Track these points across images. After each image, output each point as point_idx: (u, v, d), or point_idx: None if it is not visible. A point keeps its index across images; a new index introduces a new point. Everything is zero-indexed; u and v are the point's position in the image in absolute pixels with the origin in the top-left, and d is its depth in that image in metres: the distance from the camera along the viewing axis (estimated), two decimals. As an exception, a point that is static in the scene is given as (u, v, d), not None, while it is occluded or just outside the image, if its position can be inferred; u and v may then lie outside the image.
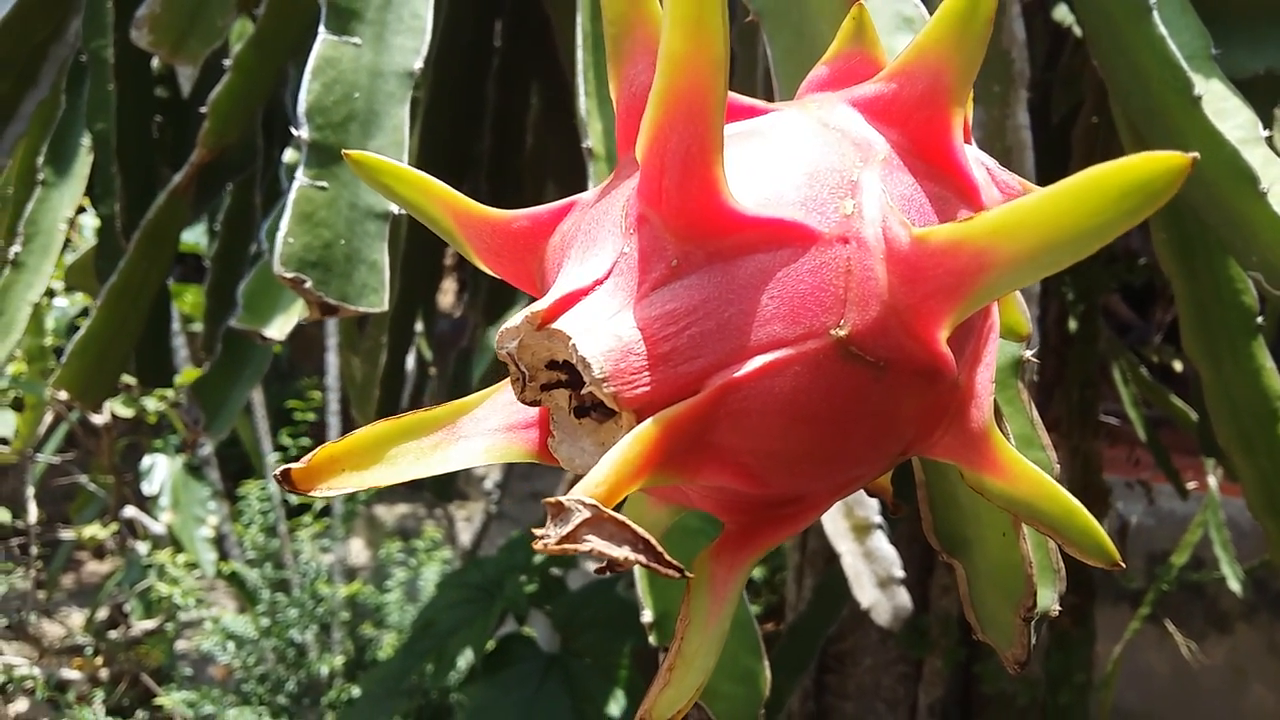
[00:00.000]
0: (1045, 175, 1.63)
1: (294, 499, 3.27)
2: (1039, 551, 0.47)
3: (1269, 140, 0.77)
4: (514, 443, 0.34)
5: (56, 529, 3.44)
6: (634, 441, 0.28)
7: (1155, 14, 0.77)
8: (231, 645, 3.03)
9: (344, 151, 0.38)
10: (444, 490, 2.08)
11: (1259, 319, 0.95)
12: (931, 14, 0.40)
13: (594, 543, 0.26)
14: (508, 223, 0.36)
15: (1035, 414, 0.49)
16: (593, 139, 0.67)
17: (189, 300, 3.30)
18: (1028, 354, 0.49)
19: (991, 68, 1.05)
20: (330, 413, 3.52)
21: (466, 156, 1.91)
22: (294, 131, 0.64)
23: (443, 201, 0.37)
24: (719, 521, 0.36)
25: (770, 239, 0.30)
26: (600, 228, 0.33)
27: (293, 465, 0.31)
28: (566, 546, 0.26)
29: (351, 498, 3.61)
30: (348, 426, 3.69)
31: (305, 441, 3.16)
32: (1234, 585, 2.79)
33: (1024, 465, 0.34)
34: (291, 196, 0.62)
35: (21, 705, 3.47)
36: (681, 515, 0.39)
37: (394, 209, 0.66)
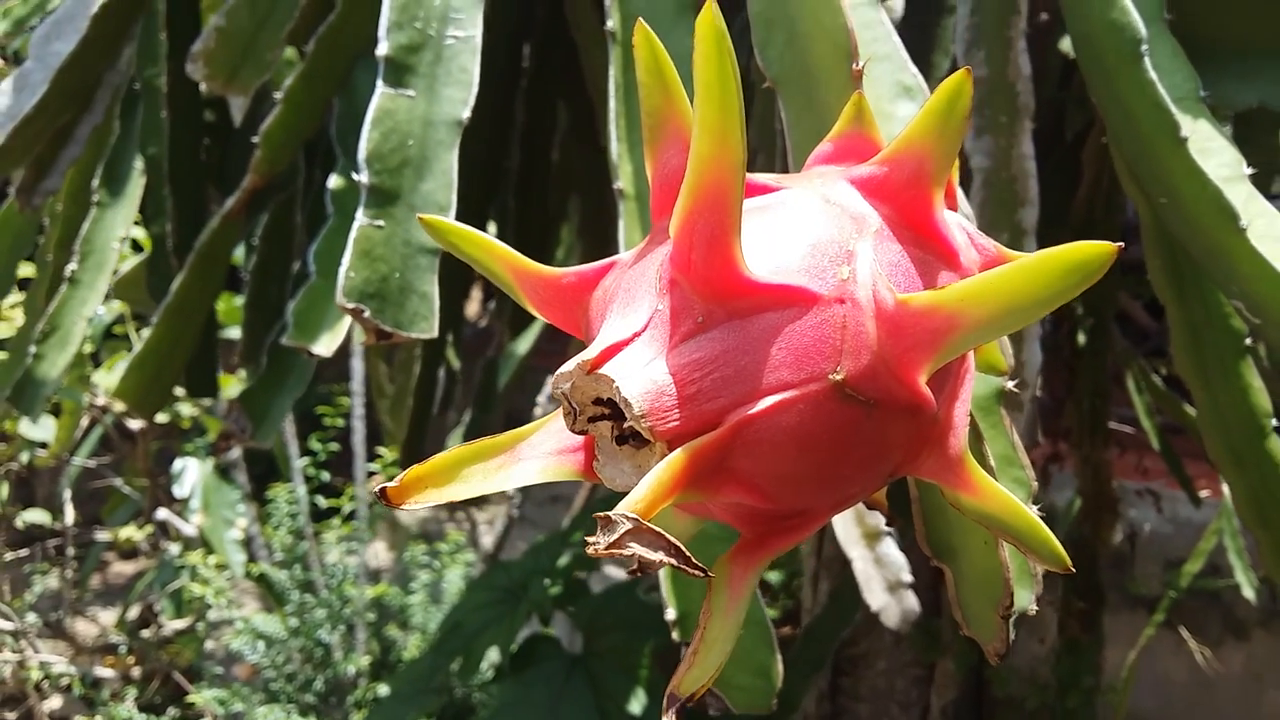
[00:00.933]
0: (1059, 191, 1.69)
1: (323, 502, 3.35)
2: (1016, 558, 0.53)
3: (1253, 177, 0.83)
4: (564, 464, 0.41)
5: (91, 530, 3.53)
6: (666, 467, 0.35)
7: (1146, 60, 0.83)
8: (261, 645, 3.11)
9: (420, 216, 0.44)
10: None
11: (1247, 340, 1.01)
12: (929, 84, 0.47)
13: (635, 549, 0.33)
14: (558, 278, 0.43)
15: (1016, 437, 0.56)
16: (623, 181, 0.73)
17: (220, 308, 3.39)
18: (1010, 385, 0.56)
19: (999, 100, 1.11)
20: (355, 417, 3.61)
21: (497, 172, 1.98)
22: (354, 176, 0.71)
23: (503, 260, 0.44)
24: (736, 530, 0.42)
25: (779, 300, 0.37)
26: (638, 287, 0.40)
27: (388, 485, 0.37)
28: (613, 551, 0.33)
29: (375, 502, 3.69)
30: (372, 431, 3.77)
31: (334, 446, 3.25)
32: (1248, 592, 2.82)
33: (993, 486, 0.40)
34: (353, 235, 0.69)
35: (56, 702, 3.56)
36: (704, 525, 0.46)
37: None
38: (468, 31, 0.75)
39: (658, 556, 0.33)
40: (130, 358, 1.20)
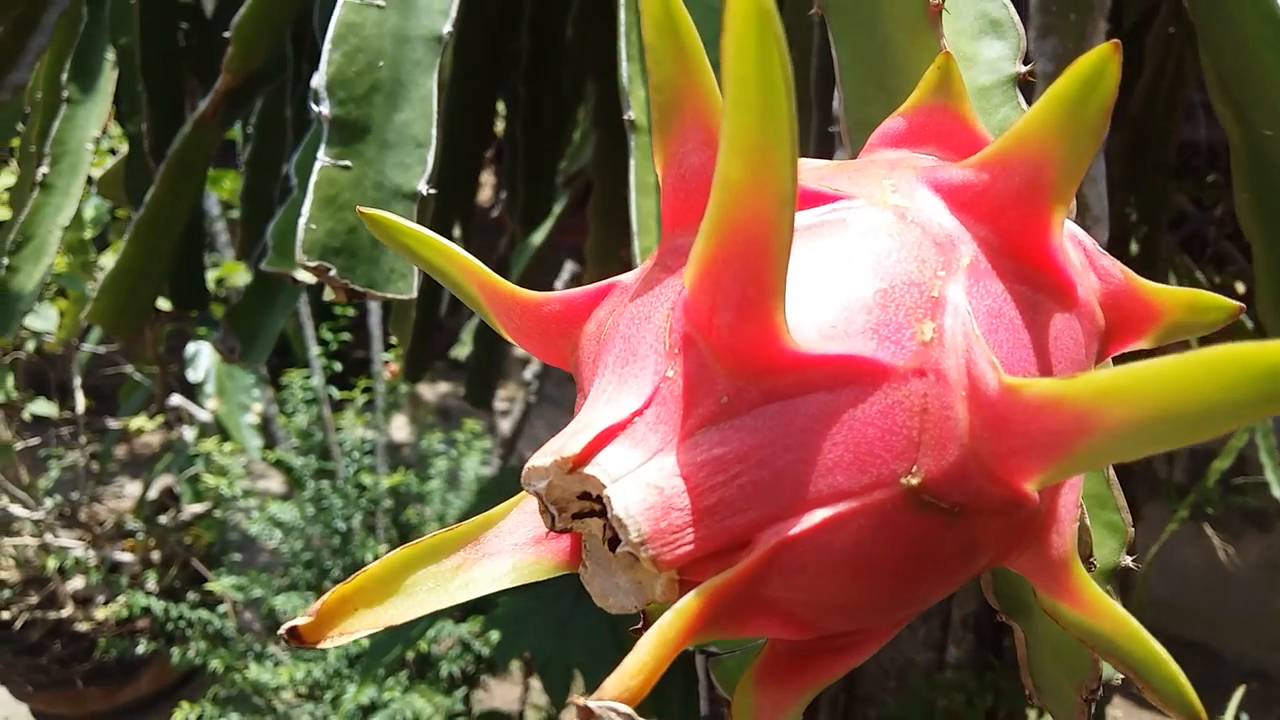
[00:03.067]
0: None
1: (336, 393, 3.29)
2: (1108, 623, 0.44)
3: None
4: (545, 556, 0.31)
5: (104, 419, 3.50)
6: (673, 620, 0.25)
7: (1261, -40, 0.70)
8: (278, 533, 3.11)
9: (362, 211, 0.34)
10: (482, 399, 2.08)
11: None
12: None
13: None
14: (538, 305, 0.33)
15: (1111, 472, 0.46)
16: (635, 110, 0.62)
17: (227, 186, 3.27)
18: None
19: (1069, -6, 0.97)
20: (374, 303, 3.52)
21: (505, 55, 1.84)
22: (314, 107, 0.59)
23: (469, 273, 0.33)
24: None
25: (834, 377, 0.26)
26: (641, 335, 0.29)
27: (299, 621, 0.28)
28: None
29: (393, 389, 3.64)
30: (389, 315, 3.69)
31: (345, 337, 3.17)
32: (1276, 491, 2.76)
33: (1106, 603, 0.30)
34: (313, 179, 0.58)
35: (78, 582, 3.61)
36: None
37: (423, 187, 0.62)
38: (448, -73, 0.62)
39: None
40: (104, 278, 1.10)
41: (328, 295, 0.63)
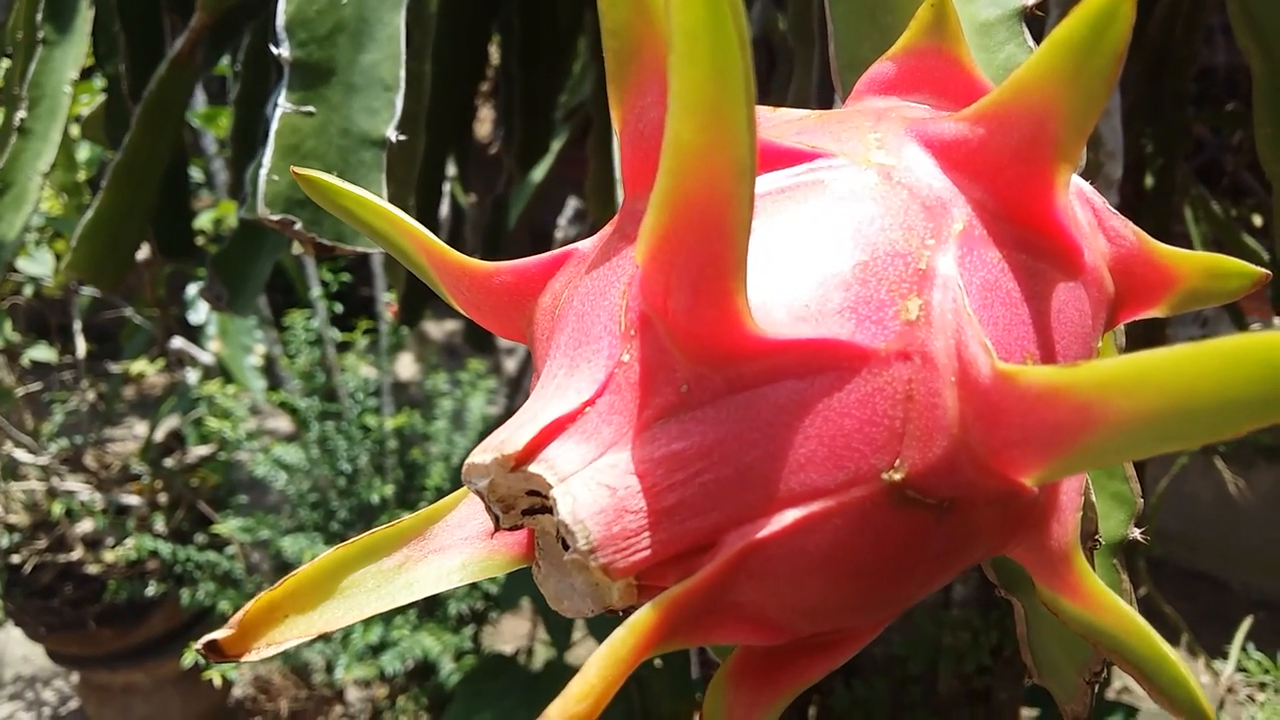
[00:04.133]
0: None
1: (338, 335, 3.27)
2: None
3: None
4: (498, 550, 0.29)
5: (105, 363, 3.49)
6: (625, 636, 0.23)
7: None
8: (284, 475, 3.11)
9: (296, 172, 0.31)
10: (483, 341, 2.05)
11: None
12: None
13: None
14: (489, 276, 0.30)
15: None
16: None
17: (222, 125, 3.21)
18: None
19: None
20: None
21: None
22: (273, 49, 0.56)
23: (417, 241, 0.30)
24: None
25: (806, 363, 0.23)
26: (595, 314, 0.26)
27: (218, 635, 0.25)
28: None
29: (396, 329, 3.61)
30: (391, 260, 3.65)
31: (345, 277, 3.14)
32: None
33: (1109, 597, 0.28)
34: (274, 127, 0.55)
35: (87, 525, 3.63)
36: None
37: (391, 134, 0.58)
38: None
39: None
40: (79, 227, 1.07)
41: (296, 249, 0.60)
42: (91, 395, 3.46)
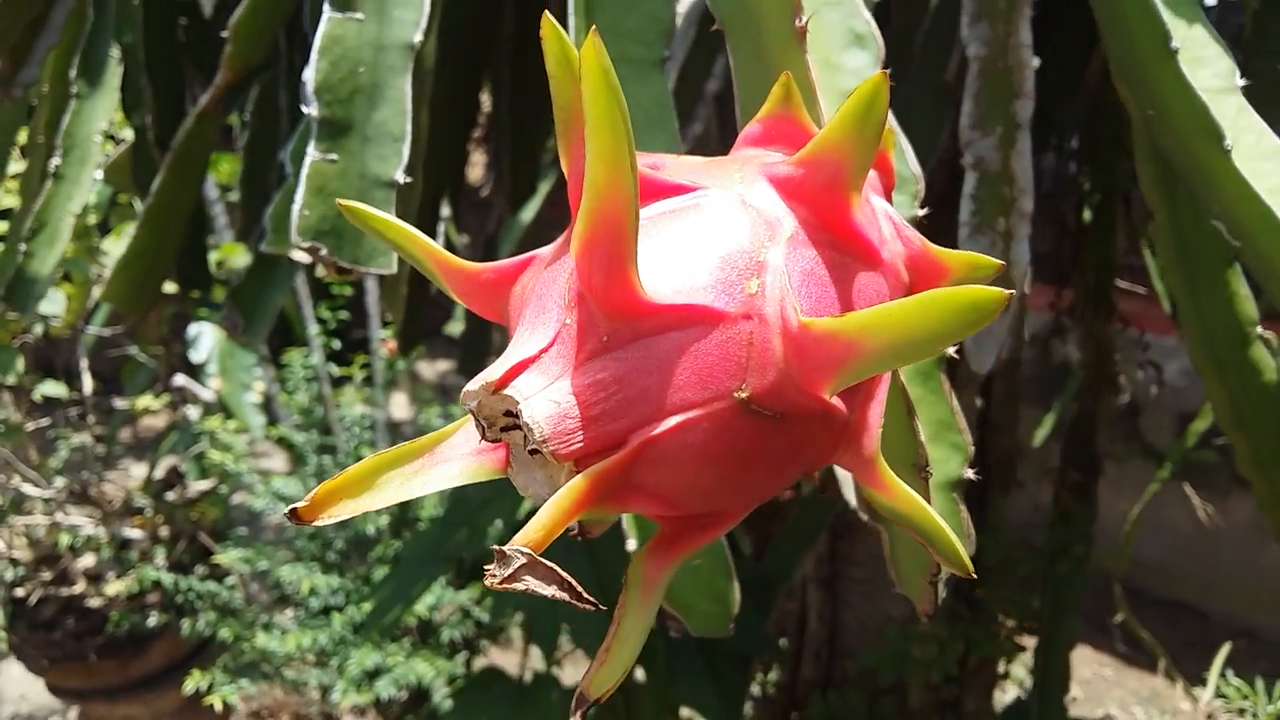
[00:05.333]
0: (1075, 59, 1.60)
1: (335, 370, 3.39)
2: (953, 521, 0.54)
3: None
4: (483, 463, 0.41)
5: (111, 399, 3.61)
6: (566, 493, 0.35)
7: (1138, -38, 0.79)
8: (282, 506, 3.22)
9: (340, 203, 0.44)
10: (476, 371, 2.17)
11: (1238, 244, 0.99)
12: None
13: (529, 583, 0.33)
14: (477, 274, 0.43)
15: (955, 403, 0.55)
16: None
17: (225, 170, 3.35)
18: (952, 351, 0.55)
19: (996, -17, 1.06)
20: (369, 275, 3.62)
21: (490, 39, 1.91)
22: (304, 109, 0.69)
23: (426, 251, 0.43)
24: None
25: (684, 320, 0.36)
26: (549, 295, 0.39)
27: (298, 504, 0.38)
28: (508, 586, 0.33)
29: (392, 365, 3.74)
30: (390, 294, 3.79)
31: (344, 315, 3.27)
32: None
33: (901, 487, 0.40)
34: (304, 171, 0.68)
35: (89, 560, 3.72)
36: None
37: (400, 176, 0.71)
38: (418, -52, 0.71)
39: (550, 591, 0.33)
40: (116, 261, 1.20)
41: (320, 272, 0.73)
42: (98, 430, 3.57)
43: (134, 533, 3.31)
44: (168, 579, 2.93)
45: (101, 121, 1.41)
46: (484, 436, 0.39)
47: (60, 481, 3.30)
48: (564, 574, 0.33)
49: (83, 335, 3.29)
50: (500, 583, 0.33)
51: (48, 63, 1.54)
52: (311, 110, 0.68)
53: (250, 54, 1.17)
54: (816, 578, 2.33)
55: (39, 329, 2.95)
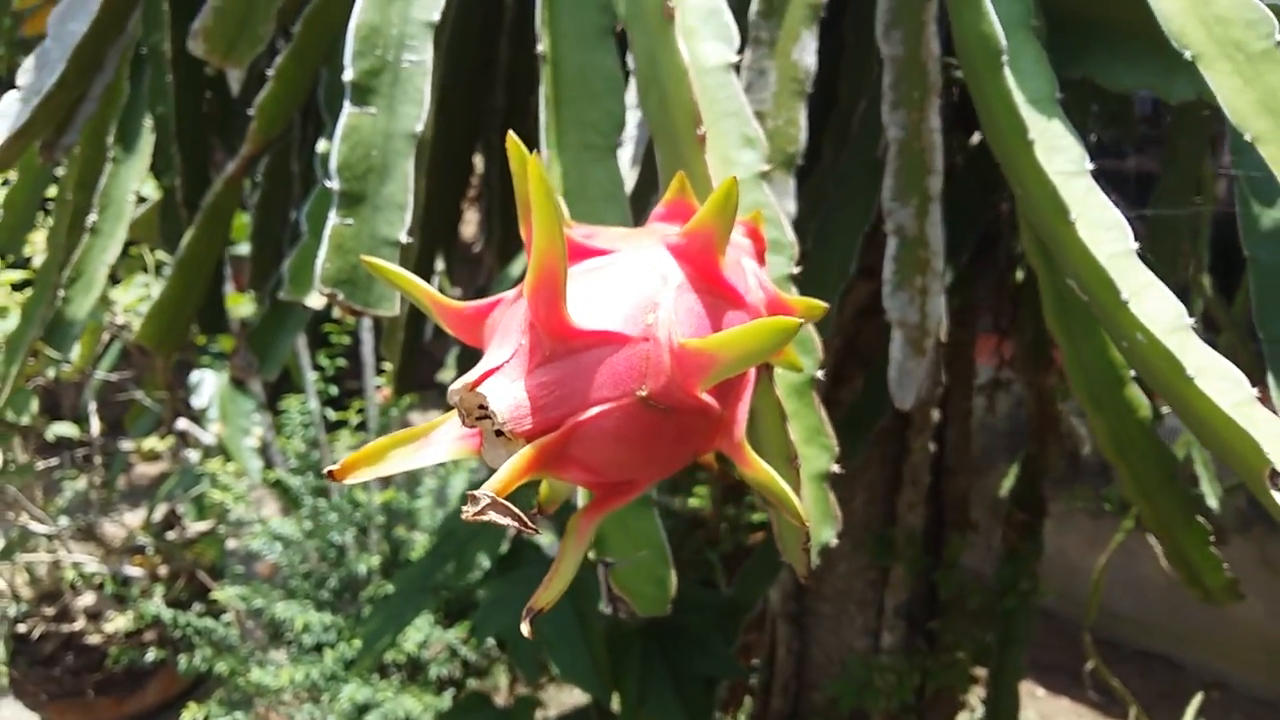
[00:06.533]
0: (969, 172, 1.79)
1: (332, 414, 3.54)
2: (819, 508, 0.70)
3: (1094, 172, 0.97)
4: (464, 446, 0.58)
5: (117, 440, 3.76)
6: (519, 458, 0.52)
7: (1006, 68, 0.97)
8: (279, 546, 3.36)
9: (363, 258, 0.61)
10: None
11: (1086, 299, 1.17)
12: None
13: (492, 515, 0.50)
14: (461, 310, 0.59)
15: (823, 414, 0.72)
16: (553, 180, 0.89)
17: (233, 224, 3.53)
18: (819, 374, 0.71)
19: (912, 76, 1.24)
20: (364, 329, 3.80)
21: (483, 111, 2.10)
22: (326, 184, 0.86)
23: (426, 295, 0.60)
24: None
25: (604, 341, 0.53)
26: (511, 324, 0.56)
27: (333, 467, 0.54)
28: (478, 518, 0.50)
29: (386, 411, 3.90)
30: (381, 343, 3.97)
31: (341, 363, 3.43)
32: (1212, 502, 2.95)
33: (760, 464, 0.57)
34: (327, 233, 0.85)
35: (89, 599, 3.84)
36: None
37: (403, 237, 0.89)
38: (420, 56, 0.89)
39: (507, 521, 0.50)
40: (150, 306, 1.37)
41: (335, 313, 0.89)
42: (96, 477, 3.71)
43: (134, 570, 3.44)
44: (167, 614, 3.06)
45: (134, 183, 1.59)
46: (464, 423, 0.55)
47: (65, 520, 3.44)
48: (515, 509, 0.49)
49: (90, 381, 3.44)
50: (472, 515, 0.50)
51: (87, 130, 1.72)
52: (333, 184, 0.86)
53: (272, 130, 1.35)
54: (784, 613, 2.47)
55: (50, 372, 3.11)
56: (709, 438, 0.57)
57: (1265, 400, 0.87)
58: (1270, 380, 1.21)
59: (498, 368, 0.54)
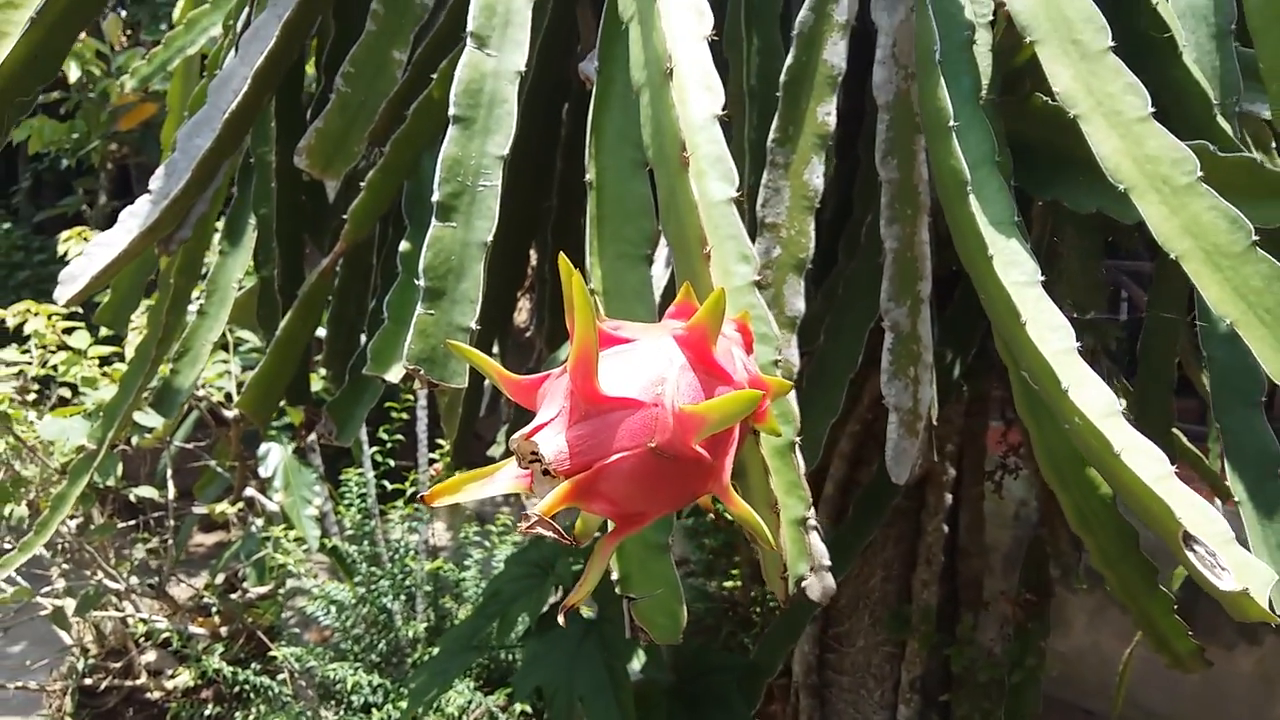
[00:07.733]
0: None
1: (388, 485, 3.76)
2: (796, 546, 0.88)
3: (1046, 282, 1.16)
4: (520, 483, 0.78)
5: (187, 506, 4.01)
6: (560, 490, 0.72)
7: (971, 196, 1.18)
8: (332, 610, 3.56)
9: (448, 341, 0.82)
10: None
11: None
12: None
13: (539, 529, 0.69)
14: (519, 382, 0.80)
15: (801, 472, 0.91)
16: (594, 282, 1.10)
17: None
18: (798, 439, 0.90)
19: (905, 197, 1.45)
20: (419, 406, 4.04)
21: (538, 212, 2.34)
22: (416, 283, 1.08)
23: (495, 370, 0.81)
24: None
25: (624, 405, 0.73)
26: (557, 391, 0.76)
27: (424, 493, 0.75)
28: (529, 530, 0.70)
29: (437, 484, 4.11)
30: (434, 421, 4.21)
31: (399, 437, 3.67)
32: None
33: (741, 504, 0.76)
34: (413, 321, 1.07)
35: (151, 655, 4.05)
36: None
37: (473, 325, 1.10)
38: (492, 181, 1.12)
39: (550, 534, 0.69)
40: (250, 379, 1.60)
41: (416, 385, 1.10)
42: (164, 540, 3.95)
43: (198, 630, 3.65)
44: (228, 670, 3.25)
45: (238, 272, 1.84)
46: (519, 464, 0.76)
47: (134, 580, 3.67)
48: (556, 524, 0.69)
49: (167, 448, 3.70)
50: (525, 529, 0.69)
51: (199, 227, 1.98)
52: (420, 282, 1.08)
53: (361, 231, 1.59)
54: (806, 685, 2.61)
55: (134, 440, 3.37)
56: (703, 481, 0.76)
57: (1182, 474, 1.04)
58: (1226, 465, 1.38)
59: (546, 423, 0.74)
